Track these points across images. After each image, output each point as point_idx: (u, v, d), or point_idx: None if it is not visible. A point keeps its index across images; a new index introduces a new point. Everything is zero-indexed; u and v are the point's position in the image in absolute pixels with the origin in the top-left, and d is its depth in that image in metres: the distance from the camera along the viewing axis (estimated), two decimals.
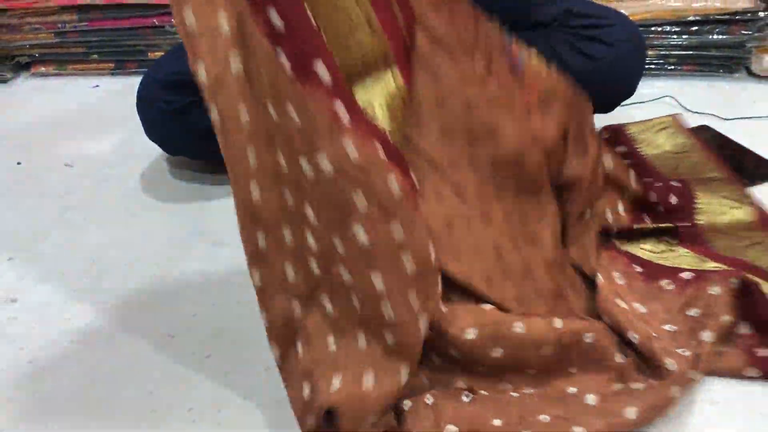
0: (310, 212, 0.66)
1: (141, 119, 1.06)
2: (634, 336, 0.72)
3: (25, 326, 0.83)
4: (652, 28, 1.38)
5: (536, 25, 1.06)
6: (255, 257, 0.68)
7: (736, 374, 0.73)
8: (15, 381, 0.75)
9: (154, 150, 1.12)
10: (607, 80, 1.05)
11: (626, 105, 1.24)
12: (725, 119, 1.26)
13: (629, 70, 1.08)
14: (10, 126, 1.32)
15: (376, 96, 0.79)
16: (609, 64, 1.04)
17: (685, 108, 1.29)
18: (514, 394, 0.69)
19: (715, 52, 1.39)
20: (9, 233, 1.01)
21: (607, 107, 1.14)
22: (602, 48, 1.03)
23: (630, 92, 1.12)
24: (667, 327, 0.77)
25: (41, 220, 1.04)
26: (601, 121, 1.19)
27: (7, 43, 1.44)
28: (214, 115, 0.65)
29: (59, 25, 1.43)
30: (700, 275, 0.81)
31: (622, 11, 1.19)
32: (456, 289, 0.73)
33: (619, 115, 1.22)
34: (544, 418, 0.66)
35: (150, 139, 1.07)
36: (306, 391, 0.66)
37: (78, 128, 1.30)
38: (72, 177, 1.14)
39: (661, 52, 1.41)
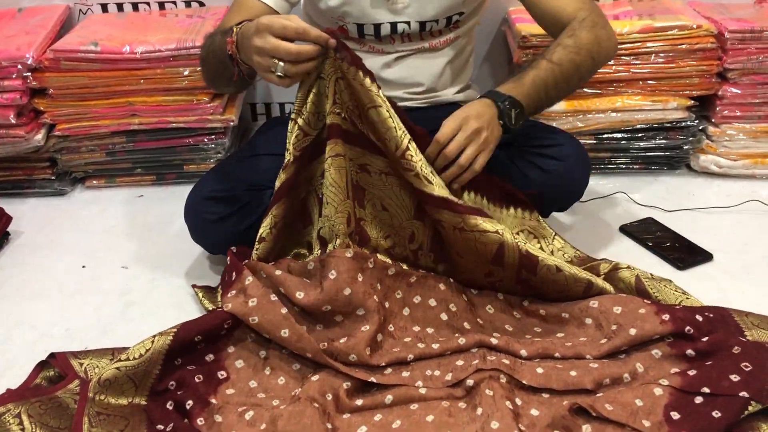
0: None
1: (189, 226, 1.30)
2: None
3: None
4: (605, 136, 1.65)
5: (500, 146, 1.30)
6: None
7: None
8: None
9: (197, 249, 1.37)
10: (558, 188, 1.28)
11: (585, 201, 1.49)
12: (667, 210, 1.51)
13: (577, 178, 1.30)
14: (72, 234, 1.56)
15: None
16: (560, 175, 1.26)
17: (635, 201, 1.54)
18: None
19: (660, 152, 1.65)
20: (81, 329, 1.25)
21: (561, 208, 1.38)
22: (553, 162, 1.26)
23: (578, 195, 1.34)
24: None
25: (107, 316, 1.28)
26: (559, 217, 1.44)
27: (66, 162, 1.71)
28: None
29: (110, 146, 1.70)
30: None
31: (569, 132, 1.42)
32: None
33: (581, 210, 1.46)
34: None
35: (196, 241, 1.32)
36: None
37: (128, 233, 1.55)
38: (129, 277, 1.39)
39: (615, 155, 1.66)
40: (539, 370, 1.00)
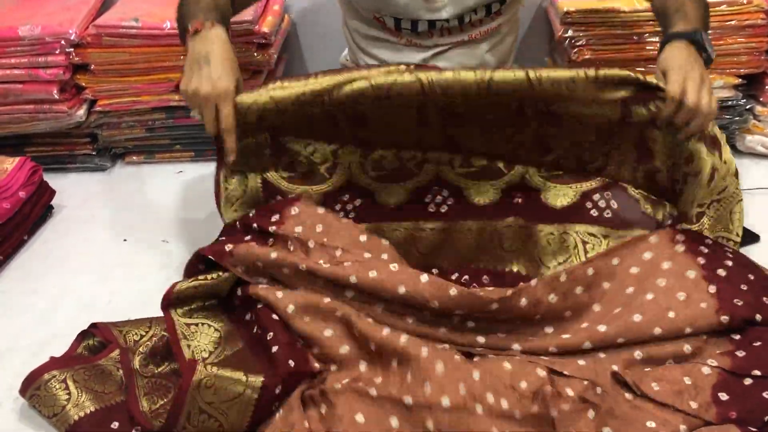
0: None
1: None
2: None
3: None
4: None
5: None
6: None
7: None
8: None
9: None
10: None
11: None
12: None
13: None
14: (113, 208, 1.59)
15: None
16: None
17: None
18: None
19: None
20: (124, 301, 1.27)
21: None
22: None
23: None
24: None
25: (149, 289, 1.29)
26: None
27: (107, 138, 1.73)
28: None
29: (150, 122, 1.72)
30: None
31: None
32: None
33: None
34: None
35: None
36: None
37: (168, 208, 1.57)
38: (169, 251, 1.41)
39: None
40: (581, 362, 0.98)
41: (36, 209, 1.48)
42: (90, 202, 1.61)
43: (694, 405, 0.89)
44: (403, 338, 0.96)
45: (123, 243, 1.45)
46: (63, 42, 1.60)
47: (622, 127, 1.14)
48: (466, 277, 1.19)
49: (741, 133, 1.61)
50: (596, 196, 1.21)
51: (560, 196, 1.21)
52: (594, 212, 1.20)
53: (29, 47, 1.60)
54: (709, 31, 1.20)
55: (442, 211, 1.23)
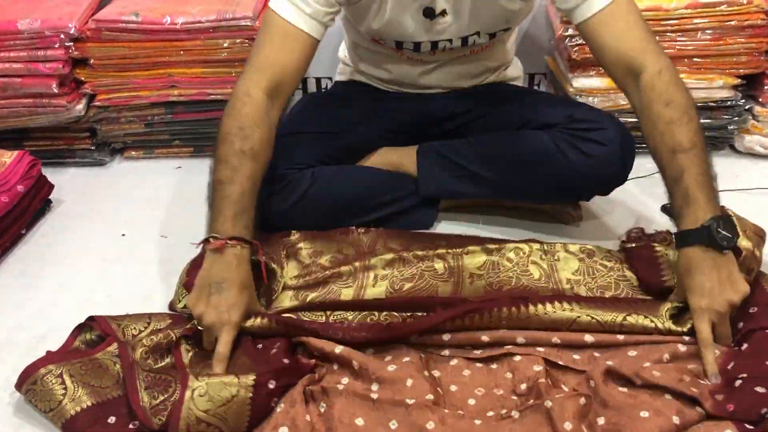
0: None
1: None
2: None
3: None
4: None
5: (543, 126, 1.29)
6: None
7: None
8: None
9: None
10: (600, 173, 1.26)
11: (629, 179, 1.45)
12: None
13: (619, 165, 1.26)
14: (112, 203, 1.58)
15: None
16: (602, 160, 1.24)
17: None
18: None
19: (705, 133, 1.61)
20: (123, 295, 1.26)
21: (602, 193, 1.34)
22: (596, 147, 1.23)
23: (620, 182, 1.30)
24: None
25: (147, 284, 1.29)
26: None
27: (106, 133, 1.72)
28: None
29: (149, 117, 1.72)
30: None
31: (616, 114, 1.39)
32: None
33: (621, 189, 1.40)
34: None
35: None
36: None
37: (167, 204, 1.56)
38: (168, 247, 1.40)
39: None
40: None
41: (34, 203, 1.48)
42: (88, 197, 1.61)
43: (695, 390, 0.90)
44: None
45: (121, 238, 1.45)
46: (62, 36, 1.60)
47: None
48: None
49: (740, 134, 1.62)
50: None
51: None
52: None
53: (29, 41, 1.59)
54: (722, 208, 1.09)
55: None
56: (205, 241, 1.08)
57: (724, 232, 1.02)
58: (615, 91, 1.59)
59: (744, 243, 1.08)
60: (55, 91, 1.62)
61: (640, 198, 1.47)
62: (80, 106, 1.67)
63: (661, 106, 1.08)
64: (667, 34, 1.55)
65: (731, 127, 1.60)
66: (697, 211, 1.03)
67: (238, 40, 1.62)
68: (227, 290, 1.04)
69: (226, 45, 1.63)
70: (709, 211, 1.03)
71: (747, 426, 0.87)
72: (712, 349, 0.97)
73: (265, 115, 1.13)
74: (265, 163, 1.15)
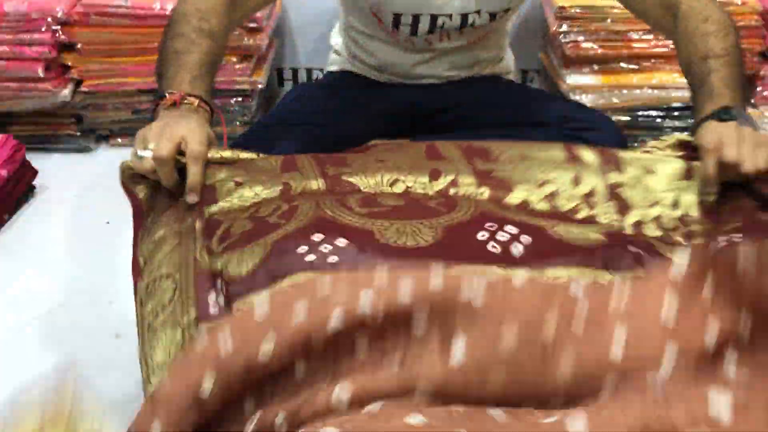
0: None
1: None
2: None
3: (128, 357, 1.06)
4: (640, 113, 1.61)
5: (537, 124, 1.28)
6: None
7: None
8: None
9: None
10: None
11: None
12: None
13: None
14: (96, 190, 1.56)
15: None
16: None
17: None
18: None
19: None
20: (109, 281, 1.25)
21: None
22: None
23: None
24: None
25: (130, 272, 1.27)
26: None
27: (92, 120, 1.70)
28: None
29: (136, 104, 1.69)
30: None
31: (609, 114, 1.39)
32: None
33: None
34: None
35: None
36: None
37: None
38: None
39: (650, 133, 1.63)
40: None
41: (18, 188, 1.46)
42: (73, 183, 1.59)
43: None
44: None
45: (105, 225, 1.43)
46: (49, 19, 1.57)
47: None
48: None
49: None
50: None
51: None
52: None
53: (14, 24, 1.57)
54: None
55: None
56: (158, 99, 0.94)
57: (748, 119, 0.93)
58: (608, 89, 1.59)
59: None
60: (41, 75, 1.59)
61: None
62: (66, 92, 1.65)
63: (698, 21, 1.07)
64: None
65: None
66: (720, 102, 0.95)
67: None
68: (185, 121, 0.89)
69: None
70: (734, 102, 0.95)
71: None
72: (715, 156, 0.87)
73: (223, 9, 1.05)
74: (222, 50, 1.05)
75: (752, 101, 1.59)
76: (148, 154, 0.86)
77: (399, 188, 0.92)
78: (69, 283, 1.25)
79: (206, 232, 0.82)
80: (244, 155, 0.94)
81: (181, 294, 0.79)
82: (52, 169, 1.62)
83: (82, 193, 1.55)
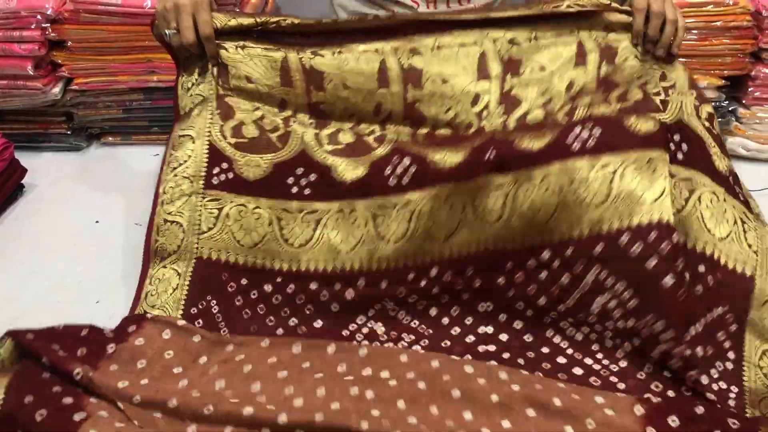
0: None
1: None
2: None
3: None
4: None
5: None
6: None
7: None
8: None
9: None
10: None
11: None
12: None
13: None
14: (87, 189, 1.55)
15: None
16: None
17: None
18: None
19: None
20: (97, 280, 1.24)
21: None
22: None
23: None
24: None
25: (120, 270, 1.27)
26: None
27: (83, 118, 1.69)
28: None
29: (127, 103, 1.68)
30: None
31: None
32: None
33: None
34: None
35: None
36: None
37: (143, 191, 1.53)
38: (142, 234, 1.37)
39: None
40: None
41: (7, 187, 1.45)
42: (63, 182, 1.58)
43: None
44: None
45: (95, 224, 1.42)
46: (39, 17, 1.56)
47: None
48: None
49: (723, 135, 1.61)
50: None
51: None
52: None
53: (4, 21, 1.55)
54: None
55: (404, 183, 1.10)
56: None
57: None
58: None
59: None
60: (31, 73, 1.58)
61: None
62: (56, 90, 1.63)
63: None
64: None
65: None
66: None
67: None
68: None
69: None
70: None
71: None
72: (643, 14, 1.11)
73: None
74: None
75: (743, 101, 1.59)
76: (174, 32, 1.16)
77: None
78: (58, 283, 1.24)
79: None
80: (247, 21, 1.18)
81: None
82: (42, 167, 1.61)
83: (72, 192, 1.54)
